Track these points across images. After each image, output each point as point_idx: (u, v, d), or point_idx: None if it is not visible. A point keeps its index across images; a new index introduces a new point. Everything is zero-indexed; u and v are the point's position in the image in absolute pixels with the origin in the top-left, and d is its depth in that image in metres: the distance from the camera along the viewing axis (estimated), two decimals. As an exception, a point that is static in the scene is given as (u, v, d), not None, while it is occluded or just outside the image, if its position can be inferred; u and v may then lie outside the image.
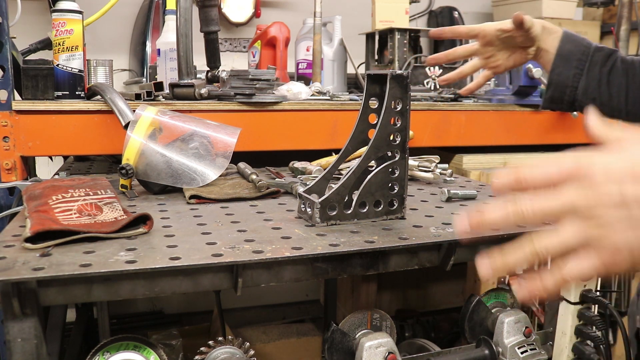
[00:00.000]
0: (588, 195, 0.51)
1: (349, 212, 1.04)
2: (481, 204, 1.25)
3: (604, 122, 0.58)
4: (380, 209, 1.07)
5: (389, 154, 1.06)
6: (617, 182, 0.50)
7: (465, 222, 0.57)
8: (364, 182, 1.04)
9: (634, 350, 1.10)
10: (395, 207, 1.08)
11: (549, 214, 0.54)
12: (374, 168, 1.05)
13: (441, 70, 2.24)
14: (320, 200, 1.01)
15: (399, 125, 1.05)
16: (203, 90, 1.56)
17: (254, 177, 1.30)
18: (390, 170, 1.06)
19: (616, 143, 0.54)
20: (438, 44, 2.70)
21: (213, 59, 1.71)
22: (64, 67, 1.48)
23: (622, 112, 1.14)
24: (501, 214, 0.55)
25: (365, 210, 1.06)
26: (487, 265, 0.57)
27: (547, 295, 0.55)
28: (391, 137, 1.05)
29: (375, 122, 1.06)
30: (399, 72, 1.03)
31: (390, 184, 1.07)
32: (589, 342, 1.11)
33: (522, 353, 1.08)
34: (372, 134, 1.07)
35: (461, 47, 1.25)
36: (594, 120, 0.58)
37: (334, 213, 1.03)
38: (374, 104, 1.10)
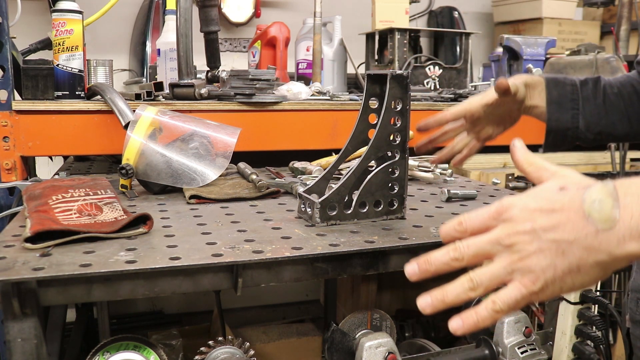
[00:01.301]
0: (508, 230, 0.60)
1: (349, 212, 1.04)
2: (481, 204, 1.25)
3: (529, 158, 0.70)
4: (380, 209, 1.07)
5: (389, 154, 1.06)
6: (529, 217, 0.60)
7: (414, 268, 0.70)
8: (364, 182, 1.04)
9: (626, 350, 1.10)
10: (395, 207, 1.08)
11: (482, 251, 0.62)
12: (374, 168, 1.05)
13: (441, 71, 2.24)
14: (320, 200, 1.01)
15: (399, 125, 1.05)
16: (203, 90, 1.56)
17: (254, 177, 1.30)
18: (390, 170, 1.06)
19: (538, 180, 0.66)
20: (438, 45, 2.70)
21: (213, 59, 1.71)
22: (64, 67, 1.48)
23: (630, 136, 1.13)
24: (443, 260, 0.66)
25: (365, 210, 1.06)
26: (428, 303, 0.69)
27: (484, 326, 0.63)
28: (391, 137, 1.06)
29: (375, 122, 1.06)
30: (399, 72, 1.03)
31: (390, 184, 1.07)
32: (589, 342, 1.11)
33: (522, 353, 1.09)
34: (372, 134, 1.07)
35: (450, 118, 1.19)
36: (521, 156, 0.71)
37: (334, 213, 1.03)
38: (374, 104, 1.10)
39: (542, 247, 0.59)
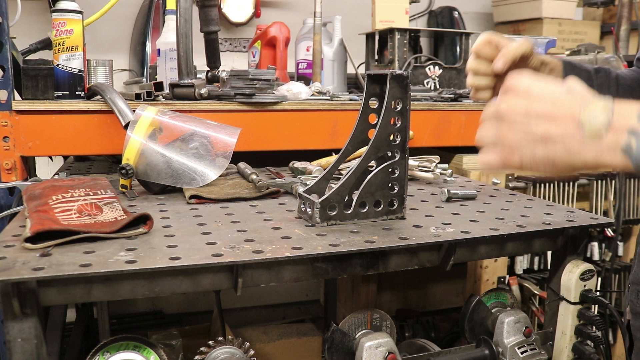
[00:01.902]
0: (508, 103, 0.70)
1: (349, 212, 1.04)
2: (481, 204, 1.25)
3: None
4: (380, 209, 1.07)
5: (389, 154, 1.06)
6: (529, 98, 0.68)
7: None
8: (364, 182, 1.04)
9: (625, 342, 1.10)
10: (395, 207, 1.08)
11: (486, 116, 0.74)
12: (374, 168, 1.05)
13: (441, 71, 2.24)
14: (320, 200, 1.01)
15: (399, 125, 1.05)
16: (203, 90, 1.56)
17: (254, 177, 1.30)
18: (390, 170, 1.06)
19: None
20: (438, 45, 2.70)
21: (213, 59, 1.71)
22: (64, 67, 1.48)
23: None
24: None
25: (365, 210, 1.06)
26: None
27: None
28: (391, 137, 1.06)
29: (375, 122, 1.06)
30: (399, 72, 1.03)
31: (390, 184, 1.07)
32: (589, 342, 1.11)
33: (522, 353, 1.08)
34: (372, 134, 1.07)
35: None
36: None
37: (334, 213, 1.03)
38: (374, 104, 1.10)
39: (529, 131, 0.67)
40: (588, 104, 0.65)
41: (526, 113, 0.68)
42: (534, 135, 0.67)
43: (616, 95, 1.09)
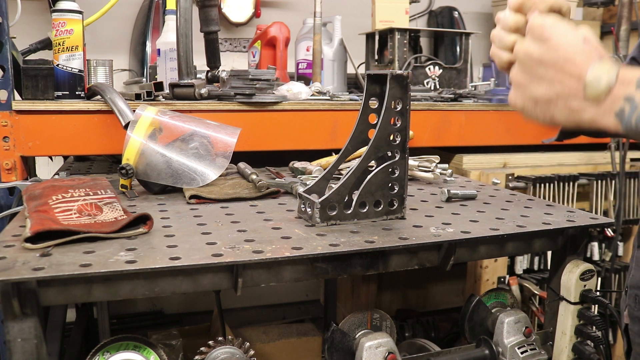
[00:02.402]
0: (526, 45, 0.73)
1: (349, 212, 1.04)
2: (481, 204, 1.25)
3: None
4: (380, 209, 1.07)
5: (389, 154, 1.06)
6: (546, 45, 0.71)
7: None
8: (364, 182, 1.04)
9: (624, 346, 1.10)
10: (395, 207, 1.08)
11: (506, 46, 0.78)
12: (374, 168, 1.05)
13: (441, 71, 2.24)
14: (320, 200, 1.01)
15: (399, 125, 1.05)
16: (203, 90, 1.56)
17: (254, 177, 1.30)
18: (390, 170, 1.06)
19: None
20: (438, 45, 2.70)
21: (213, 59, 1.71)
22: (64, 67, 1.48)
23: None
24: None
25: (365, 210, 1.05)
26: None
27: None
28: (391, 137, 1.05)
29: (375, 122, 1.06)
30: (399, 72, 1.03)
31: (390, 184, 1.07)
32: (589, 342, 1.11)
33: (522, 353, 1.09)
34: (372, 134, 1.07)
35: None
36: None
37: (334, 213, 1.03)
38: (374, 104, 1.10)
39: (538, 78, 0.71)
40: (596, 62, 0.68)
41: (539, 60, 0.71)
42: (539, 85, 0.71)
43: None
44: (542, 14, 0.74)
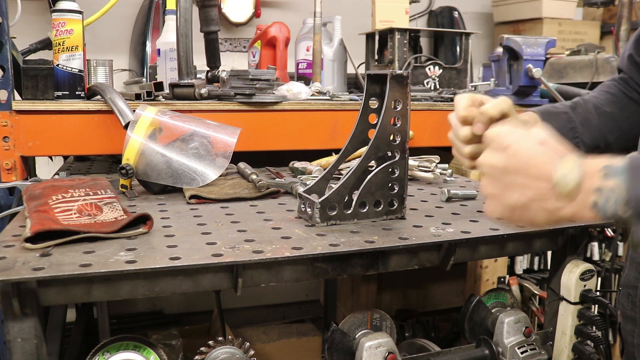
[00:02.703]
0: (488, 157, 0.75)
1: (349, 212, 1.04)
2: (481, 204, 1.25)
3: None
4: (380, 209, 1.07)
5: (389, 154, 1.06)
6: (507, 153, 0.73)
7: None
8: (364, 182, 1.04)
9: (620, 345, 1.11)
10: (395, 207, 1.08)
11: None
12: (374, 168, 1.05)
13: (441, 71, 2.24)
14: (320, 200, 1.01)
15: (399, 125, 1.05)
16: (203, 90, 1.56)
17: (254, 177, 1.30)
18: (390, 170, 1.06)
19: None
20: (438, 45, 2.70)
21: (213, 59, 1.71)
22: (64, 67, 1.48)
23: (628, 148, 1.14)
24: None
25: (365, 210, 1.05)
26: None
27: None
28: (391, 137, 1.05)
29: (375, 122, 1.06)
30: (399, 72, 1.03)
31: (390, 184, 1.07)
32: (589, 342, 1.11)
33: (522, 353, 1.08)
34: (372, 134, 1.07)
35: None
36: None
37: (334, 213, 1.03)
38: (374, 104, 1.10)
39: (508, 187, 0.72)
40: (559, 161, 0.69)
41: (504, 169, 0.73)
42: (512, 192, 0.72)
43: (599, 127, 1.11)
44: (495, 123, 0.79)
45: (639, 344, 0.97)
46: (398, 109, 1.04)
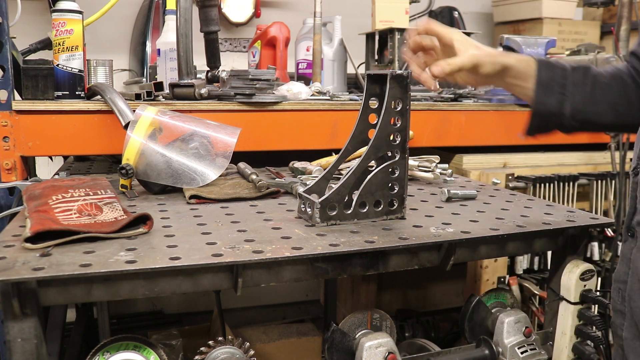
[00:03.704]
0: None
1: (349, 212, 1.04)
2: (481, 204, 1.25)
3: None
4: (380, 209, 1.07)
5: (389, 154, 1.06)
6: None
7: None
8: (364, 182, 1.04)
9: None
10: (395, 207, 1.08)
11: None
12: (374, 168, 1.05)
13: (441, 70, 2.24)
14: (320, 200, 1.01)
15: (399, 125, 1.05)
16: (203, 90, 1.56)
17: (254, 177, 1.30)
18: (390, 170, 1.06)
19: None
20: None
21: (213, 59, 1.71)
22: (64, 67, 1.48)
23: (614, 127, 1.14)
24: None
25: (365, 210, 1.05)
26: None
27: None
28: (391, 137, 1.05)
29: (375, 122, 1.06)
30: (399, 72, 1.03)
31: (390, 184, 1.07)
32: (589, 342, 1.11)
33: (522, 353, 1.08)
34: (372, 134, 1.07)
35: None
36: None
37: (334, 213, 1.03)
38: (374, 104, 1.10)
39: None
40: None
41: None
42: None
43: (591, 94, 1.07)
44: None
45: (627, 337, 0.98)
46: (398, 109, 1.04)
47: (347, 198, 1.04)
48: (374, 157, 1.06)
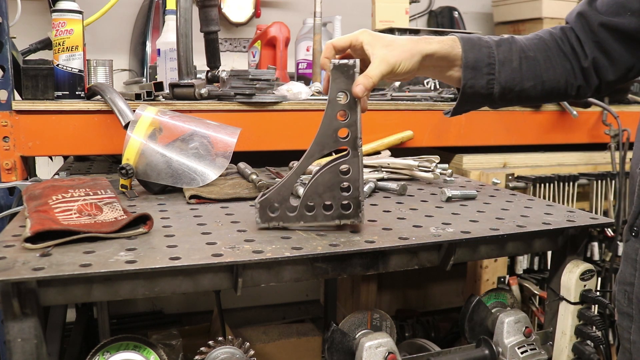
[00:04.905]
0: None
1: (294, 214, 0.97)
2: (481, 204, 1.25)
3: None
4: (330, 212, 0.98)
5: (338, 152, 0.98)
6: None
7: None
8: (309, 183, 0.97)
9: (615, 341, 1.10)
10: (350, 211, 0.98)
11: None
12: (321, 167, 0.98)
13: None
14: (259, 200, 0.96)
15: (347, 120, 0.95)
16: (203, 90, 1.56)
17: (254, 177, 1.30)
18: (340, 169, 0.97)
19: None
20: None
21: (213, 59, 1.71)
22: (64, 67, 1.48)
23: (540, 99, 1.12)
24: None
25: (312, 213, 0.98)
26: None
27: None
28: (338, 133, 0.96)
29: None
30: (343, 61, 0.93)
31: (341, 185, 0.98)
32: (589, 342, 1.11)
33: (522, 353, 1.08)
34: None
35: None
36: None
37: (276, 214, 0.97)
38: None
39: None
40: None
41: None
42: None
43: (518, 70, 1.06)
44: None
45: (635, 341, 0.97)
46: (345, 102, 0.94)
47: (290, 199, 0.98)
48: (319, 156, 0.98)
